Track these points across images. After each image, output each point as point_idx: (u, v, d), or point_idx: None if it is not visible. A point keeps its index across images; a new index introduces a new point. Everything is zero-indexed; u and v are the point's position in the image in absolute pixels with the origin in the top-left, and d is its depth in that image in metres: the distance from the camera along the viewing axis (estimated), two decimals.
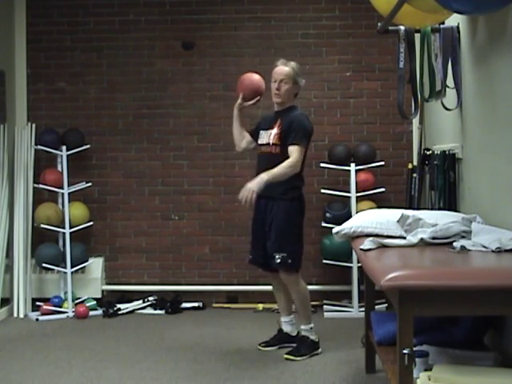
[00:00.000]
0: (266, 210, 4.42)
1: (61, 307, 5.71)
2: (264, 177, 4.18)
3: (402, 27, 4.05)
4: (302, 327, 4.49)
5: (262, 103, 6.01)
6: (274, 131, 4.41)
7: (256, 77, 4.65)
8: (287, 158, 4.30)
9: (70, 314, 5.66)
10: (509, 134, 3.26)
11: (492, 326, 3.37)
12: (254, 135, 4.62)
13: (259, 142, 4.52)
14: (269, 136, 4.43)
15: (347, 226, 3.54)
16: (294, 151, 4.29)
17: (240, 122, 4.67)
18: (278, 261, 4.34)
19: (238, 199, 4.24)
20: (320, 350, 4.48)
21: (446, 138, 4.65)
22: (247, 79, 4.66)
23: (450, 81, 4.12)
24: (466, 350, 3.12)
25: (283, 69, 4.48)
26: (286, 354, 4.39)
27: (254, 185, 4.15)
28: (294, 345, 4.49)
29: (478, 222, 3.32)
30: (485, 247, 2.93)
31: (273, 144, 4.40)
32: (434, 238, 3.14)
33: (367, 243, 3.13)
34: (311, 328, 4.48)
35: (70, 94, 6.14)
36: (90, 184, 5.98)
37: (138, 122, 6.11)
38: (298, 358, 4.35)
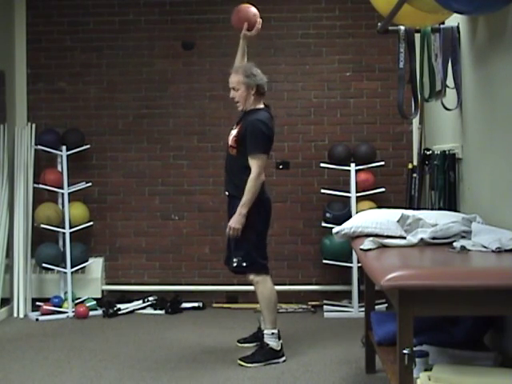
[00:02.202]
0: (230, 211, 4.45)
1: (61, 307, 5.71)
2: (241, 210, 4.23)
3: (402, 27, 4.05)
4: (265, 331, 4.37)
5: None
6: (234, 133, 4.41)
7: (252, 9, 4.60)
8: (242, 160, 4.29)
9: (70, 314, 5.66)
10: (509, 134, 3.26)
11: (492, 326, 3.37)
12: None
13: (228, 141, 4.51)
14: (231, 137, 4.43)
15: (347, 226, 3.54)
16: (252, 165, 4.26)
17: (243, 54, 4.64)
18: (235, 264, 4.36)
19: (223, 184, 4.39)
20: (283, 358, 4.32)
21: (446, 138, 4.65)
22: (243, 11, 4.60)
23: (450, 81, 4.12)
24: (466, 350, 3.12)
25: (233, 77, 4.42)
26: (239, 358, 4.32)
27: (236, 222, 4.25)
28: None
29: (478, 222, 3.32)
30: (485, 247, 2.93)
31: (230, 146, 4.41)
32: (434, 238, 3.14)
33: (367, 243, 3.13)
34: (273, 334, 4.32)
35: (69, 93, 6.14)
36: (90, 184, 5.98)
37: (137, 122, 6.11)
38: (249, 365, 4.25)
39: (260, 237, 4.42)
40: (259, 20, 4.59)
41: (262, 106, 4.47)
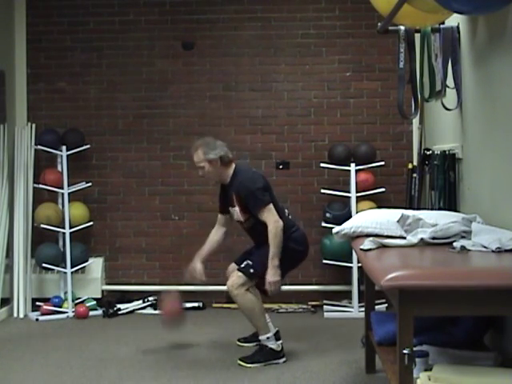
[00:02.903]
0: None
1: (61, 307, 5.71)
2: (273, 263, 4.23)
3: (402, 27, 4.05)
4: (260, 337, 4.36)
5: (260, 103, 6.05)
6: (237, 209, 4.40)
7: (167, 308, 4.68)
8: (259, 222, 4.29)
9: (70, 314, 5.66)
10: (509, 133, 3.26)
11: (492, 326, 3.37)
12: (225, 210, 4.58)
13: (235, 219, 4.51)
14: (237, 215, 4.44)
15: (347, 226, 3.54)
16: (264, 217, 4.26)
17: (210, 251, 4.75)
18: (243, 265, 4.34)
19: None
20: (283, 359, 4.33)
21: (446, 138, 4.65)
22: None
23: (450, 81, 4.12)
24: (466, 350, 3.12)
25: (196, 157, 4.41)
26: (239, 359, 4.32)
27: (273, 276, 4.24)
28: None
29: (478, 222, 3.32)
30: (485, 247, 2.93)
31: (245, 220, 4.41)
32: (434, 238, 3.14)
33: (367, 243, 3.13)
34: (268, 338, 4.31)
35: (70, 93, 6.14)
36: (90, 184, 5.98)
37: (137, 122, 6.11)
38: (249, 365, 4.25)
39: (281, 266, 4.33)
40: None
41: (233, 168, 4.41)
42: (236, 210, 4.42)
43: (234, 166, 4.44)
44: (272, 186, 4.51)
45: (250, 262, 4.33)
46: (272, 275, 4.25)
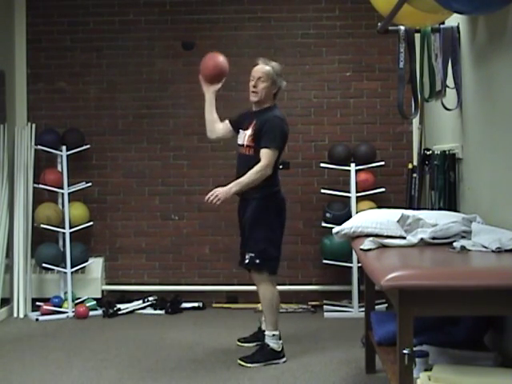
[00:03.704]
0: (242, 211, 4.47)
1: (61, 307, 5.71)
2: (232, 187, 4.25)
3: (402, 27, 4.05)
4: (266, 332, 4.37)
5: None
6: (249, 132, 4.37)
7: (221, 59, 4.56)
8: (259, 159, 4.27)
9: (70, 314, 5.66)
10: (509, 134, 3.26)
11: (492, 326, 3.37)
12: (235, 125, 4.57)
13: (238, 141, 4.49)
14: (244, 137, 4.41)
15: (347, 226, 3.54)
16: (263, 155, 4.25)
17: (213, 107, 4.61)
18: (247, 261, 4.35)
19: (236, 200, 4.41)
20: (284, 359, 4.32)
21: (446, 138, 4.65)
22: (212, 61, 4.55)
23: (450, 81, 4.12)
24: (466, 350, 3.12)
25: (262, 67, 4.42)
26: (239, 358, 4.32)
27: (222, 193, 4.24)
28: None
29: (478, 222, 3.32)
30: (485, 247, 2.93)
31: (247, 146, 4.38)
32: (434, 238, 3.14)
33: (367, 243, 3.13)
34: (274, 335, 4.32)
35: (70, 93, 6.14)
36: (90, 184, 5.98)
37: (137, 122, 6.11)
38: (249, 365, 4.25)
39: (275, 235, 4.38)
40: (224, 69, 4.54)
41: (273, 104, 4.46)
42: (246, 133, 4.38)
43: (275, 103, 4.46)
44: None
45: (252, 254, 4.32)
46: (222, 192, 4.23)
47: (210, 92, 4.59)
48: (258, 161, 4.27)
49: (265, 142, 4.27)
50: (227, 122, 4.62)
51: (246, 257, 4.35)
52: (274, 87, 4.41)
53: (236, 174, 4.43)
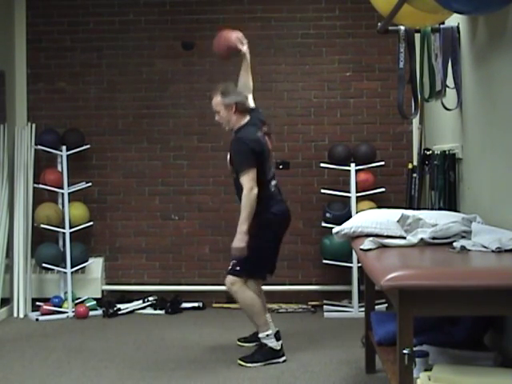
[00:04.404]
0: None
1: (61, 307, 5.71)
2: (241, 229, 4.20)
3: (402, 27, 4.05)
4: (260, 335, 4.36)
5: (260, 103, 6.04)
6: (228, 157, 4.44)
7: (231, 34, 4.61)
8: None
9: (70, 314, 5.66)
10: (509, 134, 3.26)
11: (492, 326, 3.37)
12: None
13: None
14: (228, 161, 4.46)
15: (347, 226, 3.54)
16: (242, 182, 4.25)
17: (246, 68, 4.65)
18: (229, 267, 4.35)
19: (236, 201, 4.38)
20: (283, 358, 4.31)
21: (446, 138, 4.65)
22: (223, 39, 4.63)
23: (450, 81, 4.12)
24: (466, 350, 3.12)
25: (214, 101, 4.44)
26: (239, 358, 4.32)
27: (238, 241, 4.21)
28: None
29: (478, 222, 3.32)
30: (485, 247, 2.93)
31: (231, 171, 4.42)
32: (434, 238, 3.13)
33: (367, 243, 3.13)
34: (268, 335, 4.31)
35: (70, 93, 6.14)
36: (90, 184, 5.98)
37: (137, 122, 6.11)
38: (249, 365, 4.25)
39: (264, 247, 4.35)
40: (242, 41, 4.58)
41: (245, 120, 4.42)
42: (227, 158, 4.44)
43: (246, 119, 4.43)
44: (268, 155, 4.43)
45: (234, 261, 4.32)
46: (237, 240, 4.21)
47: (242, 56, 4.62)
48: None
49: (237, 170, 4.30)
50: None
51: (231, 263, 4.35)
52: (230, 109, 4.39)
53: (236, 195, 4.46)
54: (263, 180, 4.35)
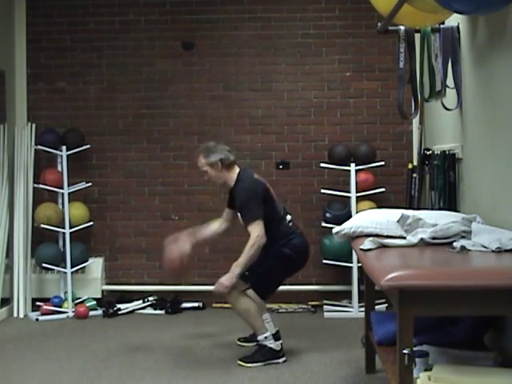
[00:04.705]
0: None
1: (61, 307, 5.71)
2: (235, 270, 4.23)
3: (402, 27, 4.05)
4: (258, 338, 4.37)
5: (260, 103, 6.04)
6: (238, 213, 4.44)
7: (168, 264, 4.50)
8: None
9: (70, 314, 5.66)
10: (509, 133, 3.26)
11: (492, 326, 3.37)
12: (232, 207, 4.57)
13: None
14: (239, 217, 4.45)
15: (347, 226, 3.54)
16: (250, 230, 4.25)
17: (205, 237, 4.70)
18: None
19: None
20: (283, 358, 4.33)
21: (446, 138, 4.65)
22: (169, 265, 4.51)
23: (450, 81, 4.12)
24: (466, 350, 3.12)
25: (199, 163, 4.47)
26: (239, 359, 4.33)
27: (227, 280, 4.23)
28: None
29: (478, 222, 3.32)
30: (485, 247, 2.93)
31: (245, 225, 4.38)
32: (434, 238, 3.13)
33: (367, 243, 3.13)
34: (266, 337, 4.32)
35: (70, 93, 6.14)
36: (90, 184, 5.98)
37: (137, 122, 6.11)
38: (249, 365, 4.26)
39: (277, 270, 4.38)
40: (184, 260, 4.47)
41: (237, 171, 4.43)
42: (238, 214, 4.46)
43: (237, 170, 4.45)
44: (272, 192, 4.46)
45: (247, 273, 4.33)
46: (226, 279, 4.23)
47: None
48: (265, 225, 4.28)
49: (246, 219, 4.30)
50: (227, 209, 4.66)
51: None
52: (216, 167, 4.41)
53: None
54: (277, 217, 4.40)
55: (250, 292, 4.35)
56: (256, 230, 4.23)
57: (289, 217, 4.49)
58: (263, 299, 4.43)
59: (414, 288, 2.49)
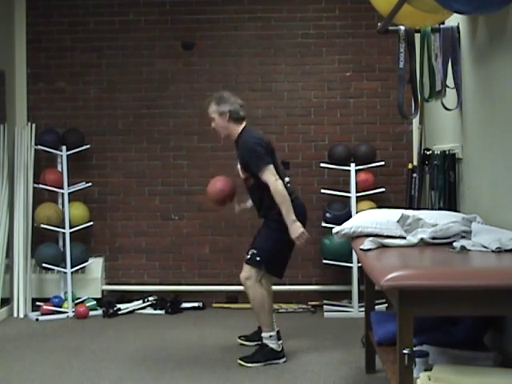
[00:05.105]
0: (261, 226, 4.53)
1: (61, 307, 5.71)
2: (289, 220, 4.23)
3: (402, 27, 4.05)
4: (263, 334, 4.37)
5: (260, 103, 6.04)
6: (238, 167, 4.46)
7: (218, 185, 4.64)
8: (259, 183, 4.31)
9: (70, 314, 5.66)
10: (509, 133, 3.26)
11: (492, 326, 3.37)
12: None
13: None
14: (239, 172, 4.48)
15: (347, 226, 3.54)
16: (264, 178, 4.27)
17: (248, 205, 4.73)
18: (248, 256, 4.37)
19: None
20: (284, 359, 4.33)
21: (446, 137, 4.65)
22: (212, 191, 4.68)
23: (450, 81, 4.12)
24: (466, 350, 3.12)
25: (208, 109, 4.48)
26: (239, 358, 4.33)
27: (294, 232, 4.23)
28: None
29: (478, 222, 3.32)
30: (485, 247, 2.93)
31: (244, 178, 4.44)
32: (434, 238, 3.14)
33: (367, 243, 3.13)
34: (271, 336, 4.33)
35: (70, 93, 6.14)
36: (90, 184, 5.98)
37: (137, 122, 6.11)
38: (249, 365, 4.26)
39: (283, 242, 4.37)
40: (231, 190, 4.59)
41: (242, 127, 4.45)
42: (238, 168, 4.47)
43: (243, 125, 4.46)
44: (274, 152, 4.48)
45: (254, 251, 4.35)
46: (293, 231, 4.24)
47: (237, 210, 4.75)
48: (259, 186, 4.32)
49: (255, 169, 4.30)
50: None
51: (249, 252, 4.38)
52: (224, 117, 4.42)
53: (252, 202, 4.57)
54: (279, 175, 4.39)
55: (265, 280, 4.37)
56: (271, 175, 4.25)
57: (287, 179, 4.48)
58: (280, 277, 4.50)
59: (414, 288, 2.49)
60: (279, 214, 4.29)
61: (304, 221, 4.43)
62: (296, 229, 4.24)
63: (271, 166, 4.29)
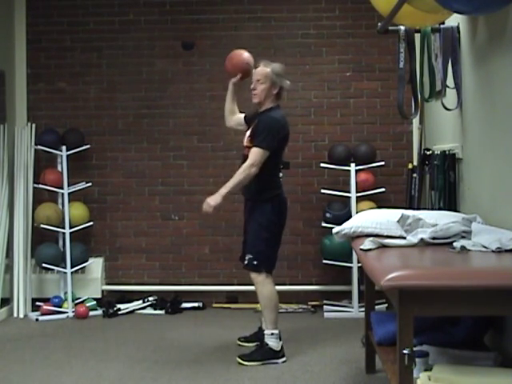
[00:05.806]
0: (246, 213, 4.54)
1: (61, 307, 5.71)
2: (222, 191, 4.26)
3: (402, 27, 4.05)
4: (265, 331, 4.38)
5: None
6: (248, 133, 4.45)
7: (246, 55, 4.63)
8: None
9: (70, 314, 5.66)
10: (509, 133, 3.26)
11: (492, 326, 3.37)
12: (247, 122, 4.63)
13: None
14: (245, 138, 4.47)
15: (347, 226, 3.54)
16: (251, 153, 4.27)
17: (233, 98, 4.75)
18: (246, 262, 4.39)
19: (236, 201, 4.34)
20: (283, 359, 4.33)
21: (446, 138, 4.65)
22: (236, 58, 4.64)
23: (450, 81, 4.12)
24: (466, 350, 3.12)
25: (262, 69, 4.45)
26: (238, 356, 4.34)
27: (212, 199, 4.25)
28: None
29: (478, 222, 3.32)
30: (485, 247, 2.93)
31: (246, 146, 4.43)
32: (434, 238, 3.13)
33: (367, 243, 3.13)
34: (273, 334, 4.32)
35: (70, 93, 6.14)
36: (90, 184, 5.98)
37: (138, 122, 6.11)
38: (247, 363, 4.27)
39: (273, 237, 4.42)
40: (251, 68, 4.56)
41: (275, 104, 4.47)
42: (246, 134, 4.47)
43: (277, 104, 4.48)
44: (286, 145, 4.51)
45: (250, 256, 4.36)
46: (213, 199, 4.24)
47: (230, 83, 4.71)
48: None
49: (255, 141, 4.31)
50: (242, 116, 4.73)
51: (246, 258, 4.40)
52: (273, 88, 4.42)
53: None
54: (278, 167, 4.44)
55: (256, 277, 4.37)
56: (255, 157, 4.25)
57: (281, 174, 4.51)
58: (271, 271, 4.47)
59: (414, 288, 2.49)
60: (266, 201, 4.34)
61: (285, 212, 4.47)
62: (216, 200, 4.23)
63: (267, 153, 4.28)
